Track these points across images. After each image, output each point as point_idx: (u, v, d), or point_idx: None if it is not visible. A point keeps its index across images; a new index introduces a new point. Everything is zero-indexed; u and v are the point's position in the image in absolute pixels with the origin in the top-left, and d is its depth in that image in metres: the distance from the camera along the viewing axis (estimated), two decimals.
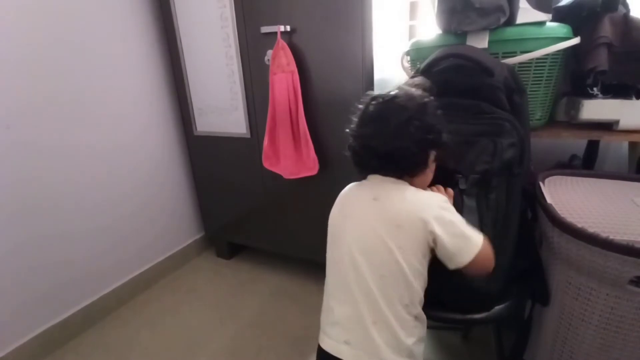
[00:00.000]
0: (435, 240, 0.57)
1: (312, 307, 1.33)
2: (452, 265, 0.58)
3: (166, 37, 1.41)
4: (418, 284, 0.59)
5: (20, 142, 1.06)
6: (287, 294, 1.42)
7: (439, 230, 0.56)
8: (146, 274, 1.49)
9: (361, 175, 0.66)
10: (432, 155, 0.62)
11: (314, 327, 1.27)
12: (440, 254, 0.58)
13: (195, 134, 1.49)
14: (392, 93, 0.62)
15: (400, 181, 0.62)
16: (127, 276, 1.42)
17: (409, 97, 0.61)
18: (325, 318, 0.64)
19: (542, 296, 0.73)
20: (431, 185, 0.68)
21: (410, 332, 0.58)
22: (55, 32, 1.12)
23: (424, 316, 0.61)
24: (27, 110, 1.07)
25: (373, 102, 0.63)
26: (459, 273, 0.60)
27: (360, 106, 0.64)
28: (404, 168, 0.61)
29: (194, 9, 1.28)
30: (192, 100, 1.44)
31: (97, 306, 1.31)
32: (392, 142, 0.59)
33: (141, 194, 1.44)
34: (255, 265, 1.63)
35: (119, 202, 1.35)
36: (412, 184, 0.62)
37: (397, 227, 0.57)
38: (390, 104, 0.61)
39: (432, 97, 0.64)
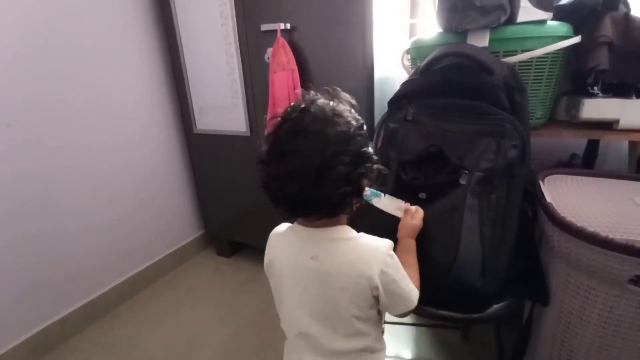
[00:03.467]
0: (378, 295, 0.54)
1: None
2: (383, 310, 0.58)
3: (166, 35, 1.41)
4: (370, 329, 0.58)
5: (20, 140, 1.06)
6: None
7: (381, 288, 0.53)
8: (146, 272, 1.49)
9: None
10: (365, 181, 0.53)
11: None
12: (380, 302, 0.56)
13: (195, 132, 1.49)
14: (307, 113, 0.49)
15: (336, 228, 0.55)
16: (127, 274, 1.42)
17: (329, 119, 0.49)
18: None
19: (542, 296, 0.73)
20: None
21: None
22: (55, 31, 1.11)
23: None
24: (27, 109, 1.07)
25: (285, 126, 0.49)
26: (453, 273, 0.61)
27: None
28: (334, 211, 0.53)
29: (193, 7, 1.28)
30: (192, 98, 1.43)
31: (97, 304, 1.31)
32: (315, 188, 0.47)
33: (141, 192, 1.44)
34: (255, 263, 1.63)
35: (118, 200, 1.35)
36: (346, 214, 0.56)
37: (341, 290, 0.53)
38: (308, 132, 0.48)
39: (348, 107, 0.53)
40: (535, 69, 0.86)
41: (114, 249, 1.36)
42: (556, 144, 1.16)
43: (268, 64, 1.17)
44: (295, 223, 0.59)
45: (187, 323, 1.29)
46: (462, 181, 0.67)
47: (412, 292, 0.57)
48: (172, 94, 1.50)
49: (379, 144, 0.85)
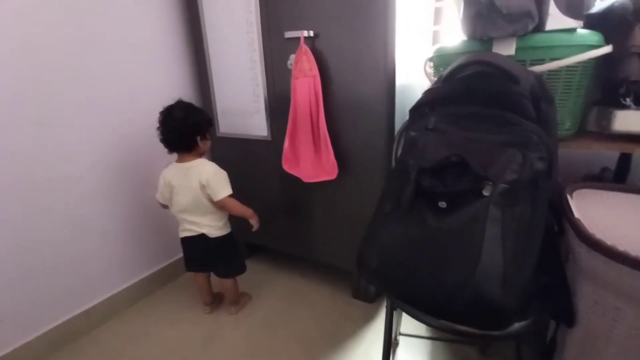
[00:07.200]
0: (206, 185, 1.14)
1: (325, 310, 1.33)
2: (215, 198, 1.17)
3: (193, 41, 1.46)
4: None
5: (50, 141, 1.12)
6: (301, 297, 1.42)
7: (209, 179, 1.14)
8: (166, 270, 1.53)
9: (171, 151, 1.17)
10: (198, 138, 1.15)
11: (327, 330, 1.27)
12: (209, 192, 1.16)
13: (218, 135, 1.52)
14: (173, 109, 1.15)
15: (195, 161, 1.17)
16: (147, 271, 1.47)
17: (181, 107, 1.15)
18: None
19: (567, 317, 0.70)
20: None
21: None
22: (85, 40, 1.18)
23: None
24: (58, 111, 1.13)
25: (173, 111, 1.13)
26: (472, 285, 0.60)
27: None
28: (187, 145, 1.15)
29: (221, 14, 1.32)
30: (216, 102, 1.47)
31: (119, 298, 1.36)
32: (178, 130, 1.13)
33: None
34: (271, 266, 1.64)
35: (145, 199, 1.40)
36: (198, 152, 1.18)
37: (198, 187, 1.15)
38: (174, 111, 1.13)
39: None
40: (564, 78, 0.83)
41: (137, 247, 1.41)
42: (586, 156, 1.11)
43: (290, 70, 1.19)
44: (174, 163, 1.18)
45: (203, 321, 1.31)
46: (486, 192, 0.65)
47: (225, 190, 1.18)
48: (198, 97, 1.54)
49: (399, 152, 0.85)
